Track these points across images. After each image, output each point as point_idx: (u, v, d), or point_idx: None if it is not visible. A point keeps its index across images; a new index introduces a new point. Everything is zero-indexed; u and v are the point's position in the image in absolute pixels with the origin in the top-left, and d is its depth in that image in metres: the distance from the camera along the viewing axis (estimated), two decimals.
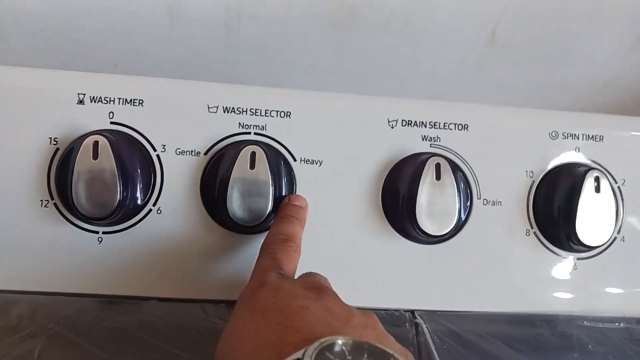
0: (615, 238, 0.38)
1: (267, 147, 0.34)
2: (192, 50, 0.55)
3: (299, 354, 0.20)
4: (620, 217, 0.38)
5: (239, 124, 0.35)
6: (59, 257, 0.34)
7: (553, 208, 0.36)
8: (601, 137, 0.38)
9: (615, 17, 0.53)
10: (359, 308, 0.26)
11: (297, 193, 0.35)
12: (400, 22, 0.54)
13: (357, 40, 0.55)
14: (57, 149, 0.34)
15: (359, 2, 0.52)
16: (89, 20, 0.52)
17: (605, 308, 0.37)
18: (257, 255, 0.31)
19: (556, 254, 0.37)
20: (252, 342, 0.23)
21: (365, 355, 0.21)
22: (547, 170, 0.37)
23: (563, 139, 0.37)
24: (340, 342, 0.21)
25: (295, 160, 0.36)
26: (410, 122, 0.36)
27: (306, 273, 0.30)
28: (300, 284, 0.27)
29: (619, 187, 0.38)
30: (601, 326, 0.35)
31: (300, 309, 0.25)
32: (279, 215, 0.33)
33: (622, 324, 0.36)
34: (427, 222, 0.33)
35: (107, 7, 0.50)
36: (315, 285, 0.28)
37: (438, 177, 0.34)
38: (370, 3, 0.52)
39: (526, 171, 0.37)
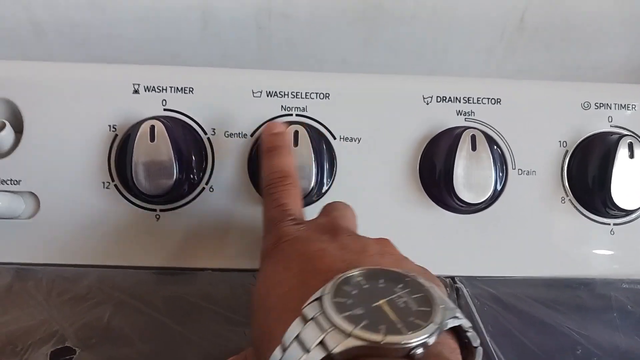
0: None
1: (308, 127, 0.36)
2: (225, 51, 0.57)
3: (317, 294, 0.21)
4: None
5: (282, 106, 0.38)
6: (120, 233, 0.37)
7: (587, 175, 0.37)
8: (633, 106, 0.38)
9: None
10: None
11: (337, 169, 0.37)
12: (427, 13, 0.55)
13: (384, 33, 0.56)
14: (116, 135, 0.37)
15: None
16: (127, 28, 0.54)
17: None
18: None
19: (592, 220, 0.38)
20: (278, 291, 0.24)
21: (382, 281, 0.22)
22: (580, 139, 0.38)
23: (595, 109, 0.38)
24: (354, 273, 0.22)
25: (335, 138, 0.38)
26: (444, 98, 0.38)
27: (324, 208, 0.31)
28: (314, 228, 0.28)
29: None
30: None
31: (318, 252, 0.25)
32: (265, 149, 0.33)
33: None
34: (464, 192, 0.35)
35: (144, 15, 0.53)
36: (329, 226, 0.28)
37: (474, 148, 0.35)
38: None
39: (559, 141, 0.38)
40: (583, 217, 0.38)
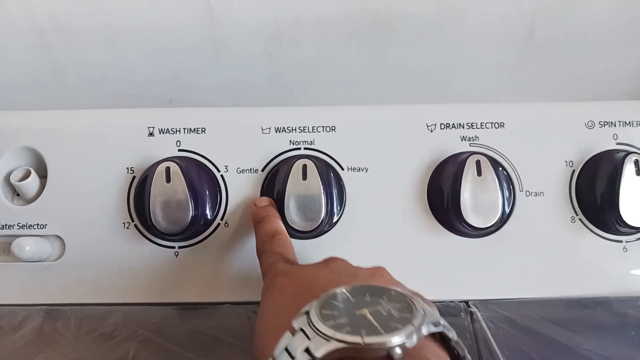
0: None
1: (316, 160, 0.37)
2: (238, 80, 0.58)
3: (306, 308, 0.23)
4: None
5: (290, 141, 0.39)
6: (142, 271, 0.38)
7: (596, 194, 0.37)
8: (638, 123, 0.38)
9: None
10: None
11: (347, 199, 0.38)
12: (434, 31, 0.55)
13: (393, 53, 0.56)
14: (134, 177, 0.38)
15: (391, 16, 0.54)
16: (142, 63, 0.56)
17: None
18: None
19: (604, 238, 0.38)
20: (273, 315, 0.26)
21: (368, 295, 0.23)
22: (586, 158, 0.38)
23: (600, 127, 0.38)
24: (341, 290, 0.24)
25: (343, 169, 0.39)
26: (448, 125, 0.38)
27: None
28: (311, 264, 0.30)
29: None
30: None
31: (311, 277, 0.27)
32: (255, 221, 0.36)
33: None
34: (472, 216, 0.35)
35: (157, 49, 0.55)
36: (322, 260, 0.30)
37: (479, 173, 0.36)
38: (402, 16, 0.54)
39: (566, 161, 0.38)
40: (595, 235, 0.38)
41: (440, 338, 0.23)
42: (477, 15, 0.54)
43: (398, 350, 0.20)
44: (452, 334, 0.23)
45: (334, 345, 0.20)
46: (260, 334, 0.26)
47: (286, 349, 0.22)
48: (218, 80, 0.58)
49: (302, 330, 0.22)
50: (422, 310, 0.22)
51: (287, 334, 0.22)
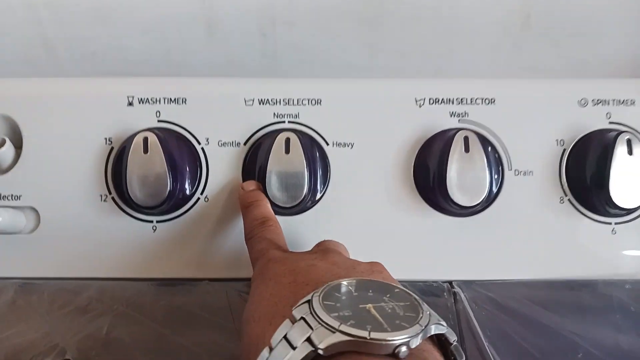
0: None
1: (300, 134, 0.36)
2: (231, 59, 0.58)
3: (308, 297, 0.22)
4: None
5: (274, 114, 0.38)
6: (119, 246, 0.37)
7: (586, 174, 0.36)
8: (632, 102, 0.37)
9: None
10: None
11: (331, 175, 0.37)
12: (430, 15, 0.54)
13: (388, 36, 0.56)
14: (112, 148, 0.37)
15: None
16: (134, 39, 0.55)
17: None
18: (248, 248, 0.33)
19: (593, 220, 0.37)
20: (269, 302, 0.25)
21: (371, 291, 0.23)
22: (578, 137, 0.37)
23: (593, 105, 0.37)
24: (345, 282, 0.23)
25: (328, 144, 0.37)
26: (437, 100, 0.37)
27: (318, 242, 0.31)
28: (303, 252, 0.29)
29: None
30: None
31: (308, 267, 0.26)
32: (244, 205, 0.35)
33: None
34: (458, 194, 0.34)
35: (151, 27, 0.54)
36: (320, 248, 0.29)
37: (467, 150, 0.34)
38: None
39: (556, 140, 0.37)
40: (583, 216, 0.37)
41: (437, 341, 0.23)
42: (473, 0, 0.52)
43: (404, 349, 0.20)
44: (453, 338, 0.22)
45: (338, 338, 0.20)
46: (253, 321, 0.25)
47: (285, 338, 0.21)
48: (210, 60, 0.57)
49: (303, 319, 0.21)
50: (428, 311, 0.22)
51: (287, 322, 0.21)
